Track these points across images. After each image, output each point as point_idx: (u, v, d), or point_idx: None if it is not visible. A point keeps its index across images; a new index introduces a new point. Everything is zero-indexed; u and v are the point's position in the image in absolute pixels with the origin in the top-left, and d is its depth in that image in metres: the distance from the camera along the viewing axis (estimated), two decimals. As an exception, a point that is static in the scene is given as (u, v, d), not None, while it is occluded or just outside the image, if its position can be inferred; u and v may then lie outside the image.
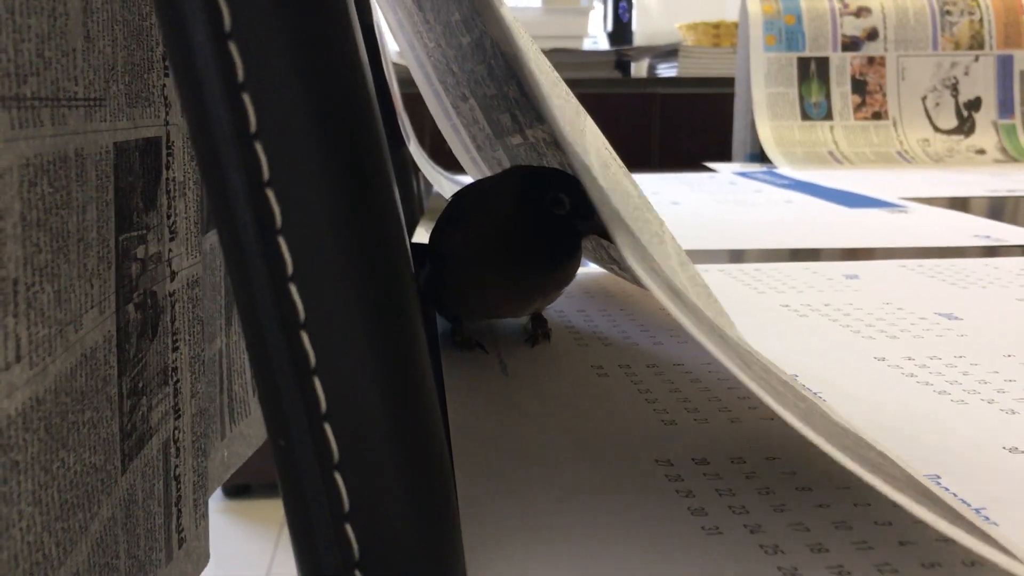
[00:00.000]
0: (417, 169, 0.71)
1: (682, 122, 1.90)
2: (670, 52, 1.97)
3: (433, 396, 0.18)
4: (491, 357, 0.35)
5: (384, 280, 0.16)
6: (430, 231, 0.37)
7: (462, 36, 0.42)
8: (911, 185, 0.95)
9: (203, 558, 0.34)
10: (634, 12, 2.25)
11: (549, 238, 0.33)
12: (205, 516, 0.34)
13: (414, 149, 0.70)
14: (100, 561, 0.23)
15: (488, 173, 0.53)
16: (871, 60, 1.28)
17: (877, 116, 1.27)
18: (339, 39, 0.15)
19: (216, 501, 1.87)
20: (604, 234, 0.31)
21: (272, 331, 0.15)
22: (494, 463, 0.25)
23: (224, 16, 0.14)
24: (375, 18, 0.64)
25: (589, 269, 0.50)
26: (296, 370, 0.15)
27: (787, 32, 1.28)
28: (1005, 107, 1.27)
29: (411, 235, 0.62)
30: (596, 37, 2.25)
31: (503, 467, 0.25)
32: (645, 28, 2.29)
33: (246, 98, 0.14)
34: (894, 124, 1.27)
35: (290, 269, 0.15)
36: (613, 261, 0.41)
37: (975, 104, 1.27)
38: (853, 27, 1.28)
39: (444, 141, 0.60)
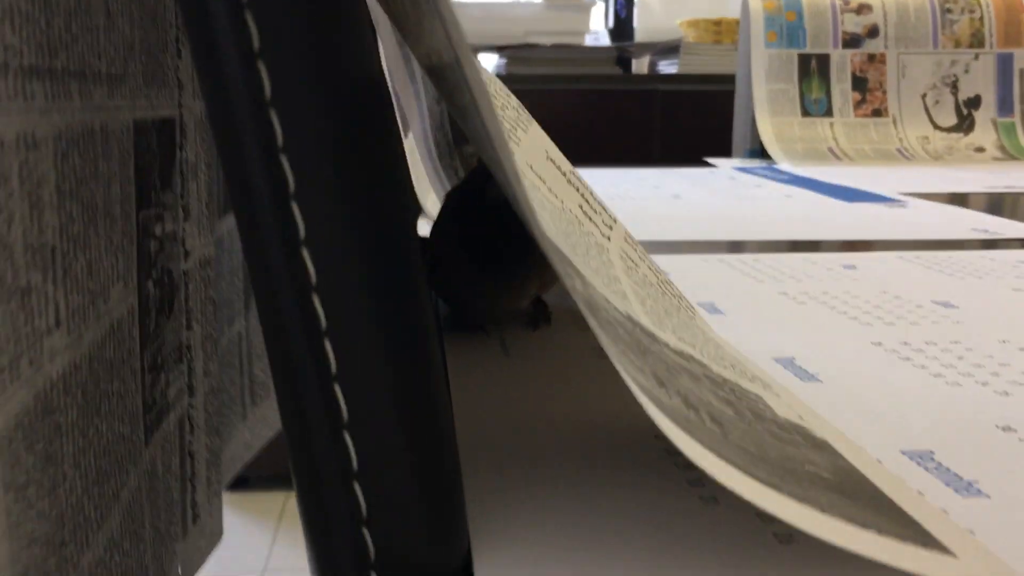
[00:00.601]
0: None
1: (683, 119, 1.91)
2: (671, 49, 1.98)
3: (439, 366, 0.18)
4: (492, 339, 0.36)
5: (394, 250, 0.16)
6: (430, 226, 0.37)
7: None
8: (910, 181, 0.95)
9: (216, 535, 0.34)
10: (635, 8, 2.25)
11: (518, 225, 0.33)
12: (218, 494, 0.35)
13: (408, 145, 0.70)
14: (130, 529, 0.24)
15: (446, 183, 0.53)
16: (872, 57, 1.28)
17: (877, 113, 1.27)
18: (351, 19, 0.16)
19: (215, 493, 1.88)
20: None
21: (285, 295, 0.16)
22: (495, 440, 0.26)
23: (241, -13, 0.15)
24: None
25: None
26: (308, 332, 0.16)
27: (788, 28, 1.29)
28: (1005, 105, 1.27)
29: (415, 216, 0.62)
30: (597, 33, 2.25)
31: (504, 443, 0.25)
32: (646, 24, 2.30)
33: (262, 66, 0.15)
34: (894, 121, 1.27)
35: (303, 234, 0.15)
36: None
37: (975, 102, 1.27)
38: (854, 24, 1.28)
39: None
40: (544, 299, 0.38)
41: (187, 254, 0.31)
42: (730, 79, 1.39)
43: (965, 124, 1.27)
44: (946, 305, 0.41)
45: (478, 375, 0.31)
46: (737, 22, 1.61)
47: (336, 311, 0.16)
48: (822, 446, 0.22)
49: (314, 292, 0.16)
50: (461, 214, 0.36)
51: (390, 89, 0.59)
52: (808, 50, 1.28)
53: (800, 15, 1.29)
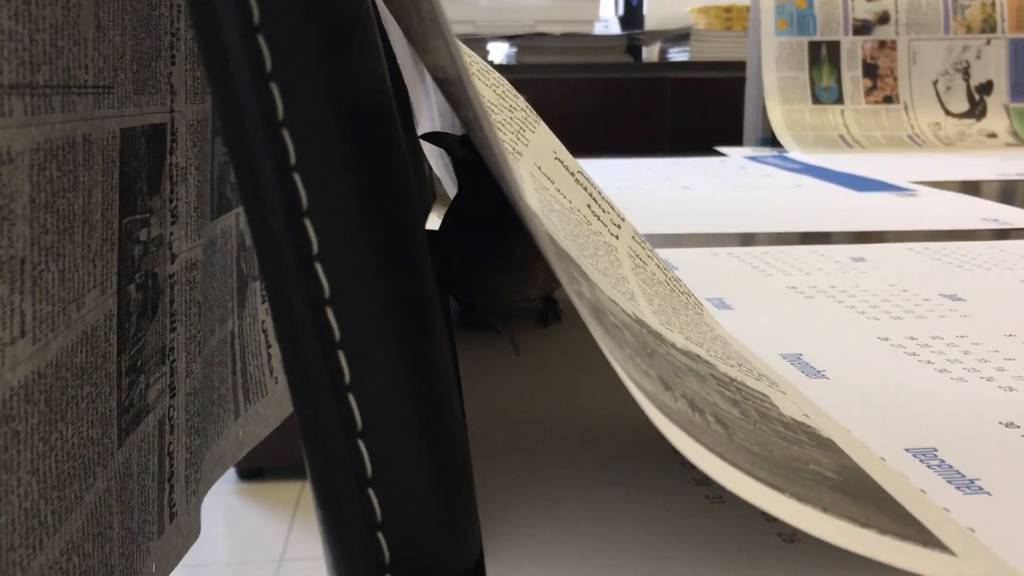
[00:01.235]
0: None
1: (693, 106, 1.90)
2: (682, 36, 1.97)
3: (449, 370, 0.19)
4: (503, 337, 0.36)
5: (403, 259, 0.17)
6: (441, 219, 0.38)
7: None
8: (921, 169, 0.95)
9: (193, 533, 0.35)
10: (645, -4, 2.24)
11: (504, 196, 0.33)
12: (196, 493, 0.35)
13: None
14: (94, 531, 0.24)
15: (456, 178, 0.54)
16: (882, 44, 1.28)
17: (888, 100, 1.27)
18: (361, 37, 0.16)
19: (230, 483, 1.89)
20: None
21: (299, 307, 0.16)
22: (505, 438, 0.26)
23: (253, 11, 0.15)
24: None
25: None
26: (322, 344, 0.16)
27: (798, 16, 1.28)
28: (1017, 91, 1.27)
29: (425, 220, 0.63)
30: (607, 21, 2.25)
31: (514, 442, 0.26)
32: (656, 12, 2.29)
33: (274, 87, 0.15)
34: (905, 108, 1.27)
35: (315, 249, 0.16)
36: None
37: (986, 88, 1.27)
38: (864, 11, 1.28)
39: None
40: (554, 297, 0.39)
41: (174, 257, 0.32)
42: (741, 66, 1.39)
43: (977, 110, 1.27)
44: (954, 298, 0.41)
45: (489, 374, 0.32)
46: (748, 8, 1.60)
47: (349, 322, 0.16)
48: (827, 444, 0.23)
49: (327, 305, 0.16)
50: (468, 209, 0.37)
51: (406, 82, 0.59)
52: (818, 37, 1.28)
53: (810, 2, 1.29)
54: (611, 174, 0.92)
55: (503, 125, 0.31)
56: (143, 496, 0.29)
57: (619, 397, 0.29)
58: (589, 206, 0.33)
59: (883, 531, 0.17)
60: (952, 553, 0.18)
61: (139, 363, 0.28)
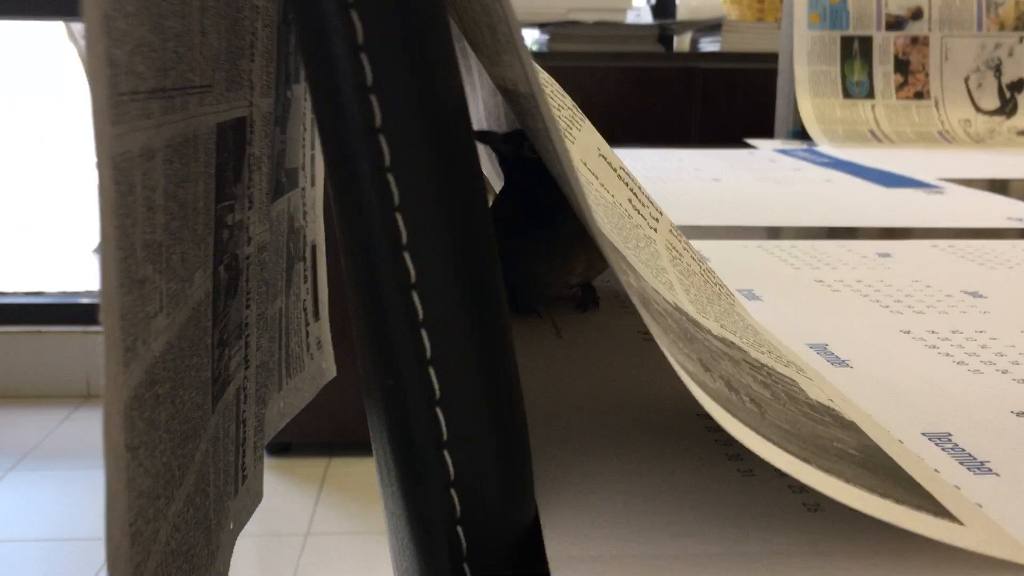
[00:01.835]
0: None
1: (724, 97, 1.91)
2: (713, 26, 1.98)
3: (512, 348, 0.21)
4: (545, 322, 0.38)
5: (478, 250, 0.19)
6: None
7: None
8: (950, 166, 0.97)
9: (258, 496, 0.38)
10: (678, -15, 2.25)
11: (545, 186, 0.36)
12: (261, 459, 0.38)
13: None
14: (200, 486, 0.27)
15: (500, 172, 0.56)
16: (915, 40, 1.28)
17: (919, 96, 1.28)
18: (445, 52, 0.19)
19: (259, 459, 1.93)
20: None
21: (389, 291, 0.18)
22: (551, 413, 0.28)
23: (358, 30, 0.17)
24: None
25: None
26: (408, 323, 0.19)
27: (831, 10, 1.29)
28: (1048, 89, 1.27)
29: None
30: (640, 10, 2.26)
31: (559, 416, 0.28)
32: (689, 1, 2.30)
33: (373, 99, 0.18)
34: (936, 104, 1.28)
35: (405, 239, 0.18)
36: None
37: (1018, 85, 1.27)
38: (897, 6, 1.29)
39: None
40: (592, 284, 0.41)
41: (249, 240, 0.34)
42: (772, 57, 1.40)
43: (1008, 107, 1.27)
44: (975, 295, 0.43)
45: (534, 356, 0.34)
46: None
47: (432, 304, 0.19)
48: (849, 426, 0.25)
49: (413, 289, 0.18)
50: (512, 201, 0.39)
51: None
52: (851, 32, 1.29)
53: (844, -3, 1.30)
54: (642, 165, 0.94)
55: None
56: (226, 459, 0.32)
57: (655, 376, 0.32)
58: (630, 200, 0.35)
59: (899, 501, 0.19)
60: (960, 523, 0.20)
61: (225, 337, 0.31)
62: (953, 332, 0.37)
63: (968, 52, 1.29)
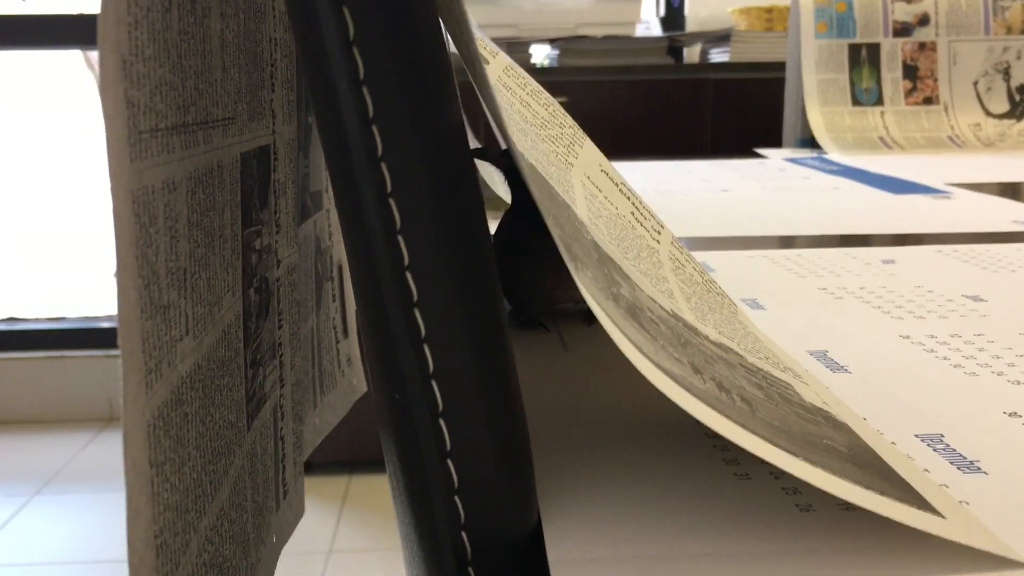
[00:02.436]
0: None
1: (734, 107, 1.92)
2: (723, 37, 1.99)
3: (513, 362, 0.22)
4: (551, 335, 0.40)
5: (478, 269, 0.20)
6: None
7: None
8: (960, 170, 0.97)
9: (300, 510, 0.39)
10: (687, -2, 2.26)
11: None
12: (301, 474, 0.39)
13: (471, 141, 0.74)
14: (236, 501, 0.28)
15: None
16: (922, 45, 1.29)
17: (928, 101, 1.28)
18: (444, 83, 0.20)
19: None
20: None
21: (393, 310, 0.20)
22: (555, 422, 0.30)
23: (359, 66, 0.19)
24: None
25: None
26: (411, 339, 0.20)
27: (838, 19, 1.30)
28: (1058, 91, 1.27)
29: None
30: (649, 23, 2.27)
31: (563, 425, 0.29)
32: (698, 13, 2.31)
33: (375, 130, 0.19)
34: (945, 109, 1.28)
35: (407, 260, 0.19)
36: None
37: (1027, 88, 1.27)
38: (904, 13, 1.29)
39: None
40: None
41: (279, 263, 0.36)
42: (782, 66, 1.41)
43: (1018, 110, 1.28)
44: (976, 299, 0.44)
45: (540, 367, 0.35)
46: (789, 8, 1.62)
47: (434, 321, 0.20)
48: (842, 427, 0.26)
49: (416, 307, 0.20)
50: (519, 216, 0.40)
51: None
52: (858, 40, 1.30)
53: (850, 5, 1.30)
54: (651, 177, 0.95)
55: (556, 139, 0.35)
56: (265, 474, 0.33)
57: (654, 386, 0.33)
58: (632, 213, 0.36)
59: (883, 493, 0.20)
60: (942, 517, 0.21)
61: (258, 357, 0.32)
62: (952, 336, 0.38)
63: (976, 56, 1.29)
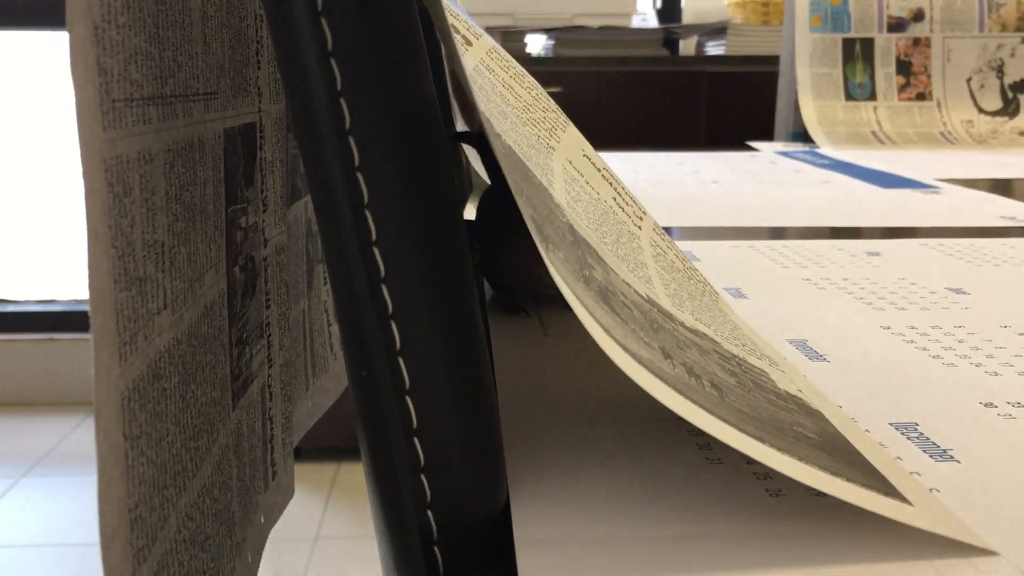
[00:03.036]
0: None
1: (729, 100, 1.92)
2: (719, 30, 1.98)
3: (483, 340, 0.22)
4: (533, 321, 0.39)
5: (446, 244, 0.20)
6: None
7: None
8: (950, 166, 0.97)
9: (289, 491, 0.39)
10: (683, -10, 2.26)
11: None
12: (291, 455, 0.39)
13: (460, 127, 0.74)
14: (219, 479, 0.28)
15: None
16: (916, 41, 1.29)
17: (921, 97, 1.28)
18: (413, 57, 0.20)
19: (269, 463, 1.95)
20: None
21: (360, 285, 0.19)
22: (531, 405, 0.29)
23: (327, 38, 0.18)
24: None
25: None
26: (378, 315, 0.20)
27: (833, 13, 1.30)
28: (1051, 89, 1.27)
29: (463, 208, 0.66)
30: (645, 14, 2.27)
31: (538, 409, 0.29)
32: (694, 5, 2.30)
33: (343, 102, 0.19)
34: (938, 105, 1.28)
35: (374, 236, 0.19)
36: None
37: (1020, 86, 1.28)
38: (899, 8, 1.29)
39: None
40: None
41: (266, 242, 0.36)
42: (778, 60, 1.40)
43: (1010, 108, 1.28)
44: (958, 292, 0.44)
45: (519, 350, 0.35)
46: (785, 1, 1.62)
47: (401, 297, 0.20)
48: (814, 415, 0.26)
49: (383, 283, 0.19)
50: (497, 197, 0.40)
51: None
52: (852, 34, 1.29)
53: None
54: (641, 168, 0.95)
55: (538, 123, 0.35)
56: (252, 454, 0.33)
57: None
58: (614, 199, 0.36)
59: (850, 480, 0.20)
60: (909, 503, 0.21)
61: (244, 336, 0.32)
62: (932, 327, 0.38)
63: (970, 53, 1.29)
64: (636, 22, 2.13)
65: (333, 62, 0.19)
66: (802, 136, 1.25)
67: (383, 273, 0.19)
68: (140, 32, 0.21)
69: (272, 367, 0.36)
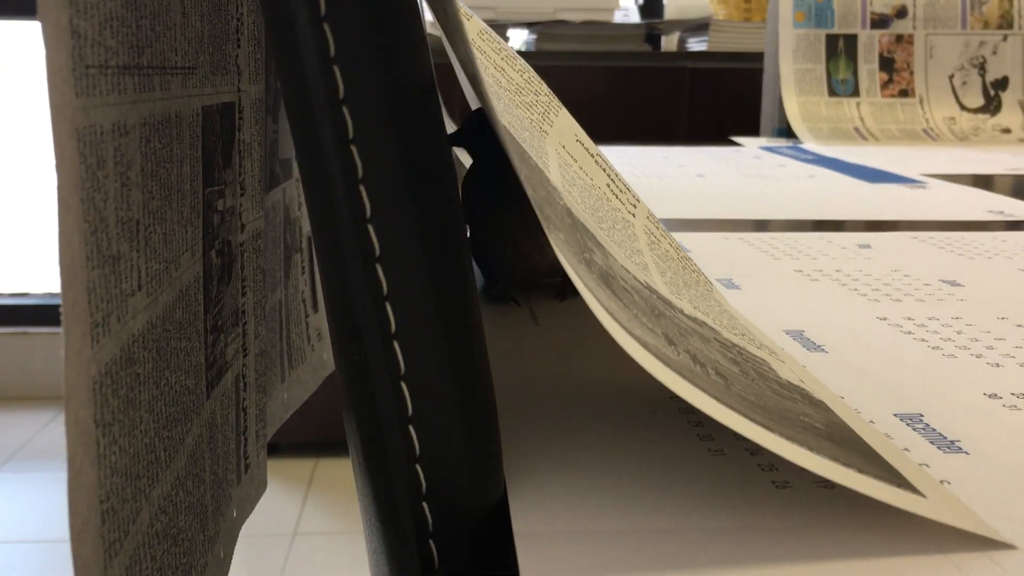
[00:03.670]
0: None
1: (711, 97, 1.92)
2: (701, 26, 1.98)
3: (480, 327, 0.21)
4: (523, 311, 0.38)
5: (444, 223, 0.19)
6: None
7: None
8: (934, 162, 0.97)
9: (262, 484, 0.38)
10: (666, -15, 2.25)
11: (508, 164, 0.36)
12: (264, 448, 0.38)
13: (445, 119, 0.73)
14: (193, 471, 0.27)
15: None
16: (899, 38, 1.29)
17: (904, 93, 1.28)
18: (410, 26, 0.19)
19: (246, 459, 1.93)
20: None
21: (354, 266, 0.18)
22: (526, 398, 0.28)
23: (320, 2, 0.17)
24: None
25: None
26: (372, 297, 0.18)
27: (816, 9, 1.30)
28: (1032, 87, 1.28)
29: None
30: (627, 10, 2.26)
31: (534, 402, 0.28)
32: (676, 1, 2.30)
33: (336, 70, 0.18)
34: (920, 102, 1.28)
35: (368, 212, 0.18)
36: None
37: (1002, 83, 1.28)
38: (882, 4, 1.29)
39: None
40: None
41: (243, 227, 0.34)
42: (759, 57, 1.40)
43: (992, 105, 1.28)
44: (953, 284, 0.43)
45: (511, 341, 0.34)
46: None
47: (397, 277, 0.18)
48: (819, 404, 0.25)
49: (378, 262, 0.18)
50: (475, 184, 0.39)
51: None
52: (836, 30, 1.29)
53: (829, -5, 1.30)
54: (627, 161, 0.94)
55: (530, 106, 0.34)
56: (225, 446, 0.32)
57: (627, 360, 0.31)
58: (608, 185, 0.35)
59: (862, 471, 0.20)
60: (922, 495, 0.20)
61: (220, 323, 0.31)
62: (930, 319, 0.37)
63: (952, 50, 1.29)
64: (618, 17, 2.12)
65: (327, 26, 0.18)
66: (786, 132, 1.25)
67: (378, 252, 0.18)
68: (116, -4, 0.20)
69: (247, 356, 0.35)
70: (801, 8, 1.29)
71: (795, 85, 1.28)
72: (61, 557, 1.59)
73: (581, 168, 0.34)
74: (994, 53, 1.28)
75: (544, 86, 0.37)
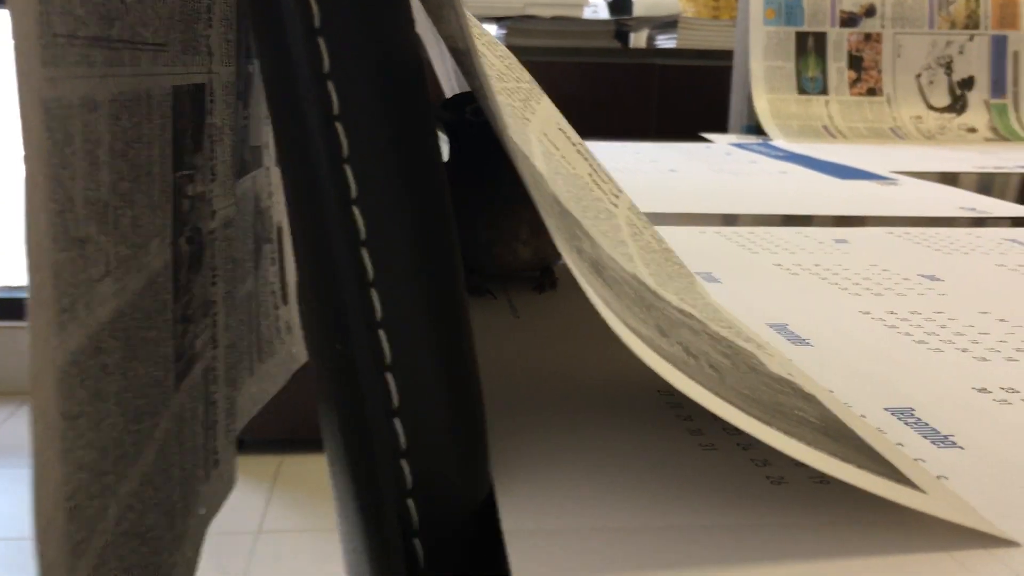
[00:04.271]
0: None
1: (680, 94, 1.92)
2: (670, 23, 1.98)
3: (467, 314, 0.20)
4: (501, 303, 0.38)
5: (432, 207, 0.18)
6: None
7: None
8: (903, 159, 0.97)
9: (231, 482, 0.36)
10: (635, -18, 2.25)
11: (485, 150, 0.35)
12: (233, 443, 0.37)
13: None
14: (161, 467, 0.26)
15: None
16: (868, 36, 1.30)
17: (872, 92, 1.29)
18: (399, 2, 0.18)
19: (209, 456, 1.90)
20: None
21: (339, 249, 0.17)
22: (508, 392, 0.28)
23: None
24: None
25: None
26: (358, 282, 0.18)
27: (786, 6, 1.30)
28: (997, 87, 1.29)
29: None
30: (596, 6, 2.25)
31: (516, 395, 0.27)
32: (645, -2, 2.30)
33: (321, 42, 0.17)
34: (888, 100, 1.29)
35: (354, 193, 0.17)
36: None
37: (968, 83, 1.29)
38: (851, 3, 1.30)
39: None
40: (552, 268, 0.40)
41: (214, 214, 0.33)
42: (728, 55, 1.40)
43: (958, 105, 1.29)
44: (932, 278, 0.43)
45: (490, 334, 0.33)
46: (736, -2, 1.62)
47: (383, 262, 0.18)
48: (810, 398, 0.24)
49: (363, 246, 0.17)
50: (454, 169, 0.38)
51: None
52: (806, 28, 1.30)
53: (799, -7, 1.30)
54: (599, 156, 0.94)
55: (512, 93, 0.33)
56: (193, 441, 0.31)
57: (616, 353, 0.31)
58: (590, 175, 0.35)
59: (860, 466, 0.19)
60: (922, 491, 0.19)
61: (189, 313, 0.29)
62: (912, 313, 0.37)
63: (920, 50, 1.30)
64: (588, 13, 2.11)
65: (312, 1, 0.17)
66: (755, 129, 1.25)
67: (364, 235, 0.17)
68: (86, -35, 0.19)
69: (217, 348, 0.33)
70: (771, 5, 1.29)
71: (765, 82, 1.28)
72: (22, 555, 1.56)
73: (563, 157, 0.33)
74: (960, 53, 1.29)
75: (526, 73, 0.37)
